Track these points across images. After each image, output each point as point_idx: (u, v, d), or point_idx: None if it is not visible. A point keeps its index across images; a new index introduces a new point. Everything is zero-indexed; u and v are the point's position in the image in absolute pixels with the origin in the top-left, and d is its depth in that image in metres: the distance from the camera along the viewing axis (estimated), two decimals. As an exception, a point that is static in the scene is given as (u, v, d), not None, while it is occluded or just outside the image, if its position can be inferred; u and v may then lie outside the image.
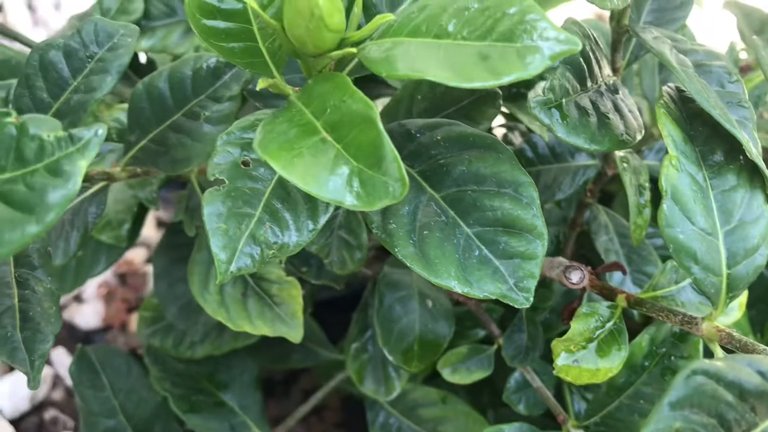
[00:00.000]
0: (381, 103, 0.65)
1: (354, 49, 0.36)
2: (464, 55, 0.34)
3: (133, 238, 0.63)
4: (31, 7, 1.34)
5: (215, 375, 0.63)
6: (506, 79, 0.33)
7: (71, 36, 0.39)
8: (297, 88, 0.40)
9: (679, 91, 0.45)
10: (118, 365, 0.62)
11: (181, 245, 0.59)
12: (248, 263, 0.36)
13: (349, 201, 0.33)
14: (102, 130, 0.28)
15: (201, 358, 0.62)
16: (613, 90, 0.47)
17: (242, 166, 0.38)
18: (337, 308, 0.73)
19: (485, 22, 0.35)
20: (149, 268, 1.04)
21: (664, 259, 0.64)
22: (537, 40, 0.33)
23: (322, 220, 0.38)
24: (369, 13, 0.42)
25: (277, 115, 0.37)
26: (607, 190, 0.73)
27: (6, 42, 0.65)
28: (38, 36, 1.29)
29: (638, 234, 0.53)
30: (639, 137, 0.45)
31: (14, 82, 0.55)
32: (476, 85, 0.33)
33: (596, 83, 0.46)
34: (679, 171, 0.40)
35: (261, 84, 0.37)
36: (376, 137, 0.33)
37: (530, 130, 0.60)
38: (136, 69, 0.59)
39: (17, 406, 0.76)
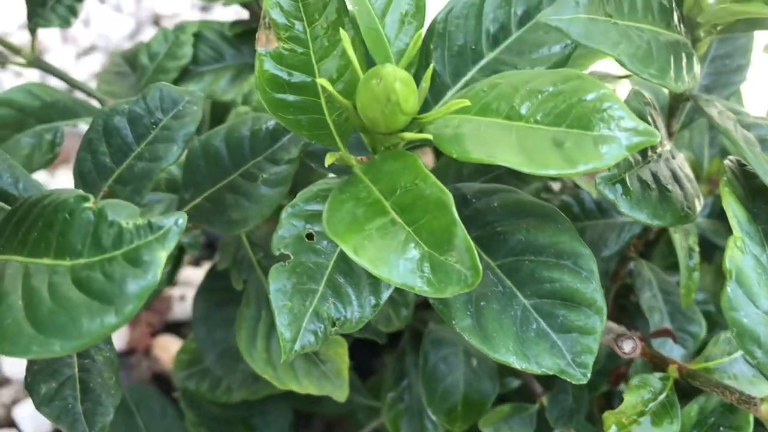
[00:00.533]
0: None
1: (429, 135, 0.35)
2: (538, 140, 0.34)
3: (171, 278, 0.63)
4: (61, 25, 1.34)
5: (250, 420, 0.63)
6: (582, 168, 0.33)
7: (136, 102, 0.38)
8: (360, 158, 0.40)
9: (740, 164, 0.44)
10: (153, 407, 0.62)
11: (221, 289, 0.59)
12: (312, 341, 0.36)
13: (419, 286, 0.33)
14: (182, 220, 0.28)
15: (236, 402, 0.61)
16: (671, 157, 0.46)
17: (306, 240, 0.37)
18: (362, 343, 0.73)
19: (560, 106, 0.34)
20: (174, 292, 1.04)
21: (707, 316, 0.63)
22: (614, 130, 0.33)
23: (385, 295, 0.38)
24: (433, 82, 0.42)
25: (343, 189, 0.37)
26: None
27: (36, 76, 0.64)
28: (68, 53, 1.29)
29: (688, 297, 0.53)
30: (699, 208, 0.45)
31: (61, 125, 0.55)
32: (551, 173, 0.33)
33: (655, 152, 0.45)
34: (743, 253, 0.40)
35: (329, 159, 0.36)
36: (450, 224, 0.33)
37: (576, 185, 0.60)
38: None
39: (39, 428, 0.76)
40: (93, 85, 1.17)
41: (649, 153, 0.45)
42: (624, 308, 0.68)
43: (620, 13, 0.37)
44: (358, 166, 0.38)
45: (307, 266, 0.37)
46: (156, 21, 1.38)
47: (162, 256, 0.28)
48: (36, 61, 0.58)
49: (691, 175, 0.47)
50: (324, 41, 0.37)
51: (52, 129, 0.56)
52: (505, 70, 0.41)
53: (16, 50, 0.58)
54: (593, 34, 0.35)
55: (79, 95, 0.64)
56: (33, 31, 0.57)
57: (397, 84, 0.33)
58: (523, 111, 0.35)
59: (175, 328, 1.03)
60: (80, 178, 0.39)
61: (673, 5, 0.41)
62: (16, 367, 0.94)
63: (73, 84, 0.59)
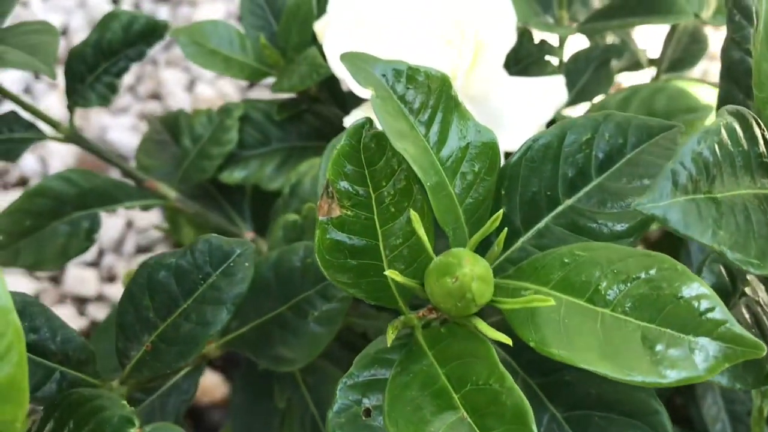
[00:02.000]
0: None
1: (505, 307, 0.32)
2: (626, 335, 0.31)
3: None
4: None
5: None
6: (672, 378, 0.30)
7: (183, 254, 0.36)
8: (421, 313, 0.36)
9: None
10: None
11: (260, 377, 0.57)
12: None
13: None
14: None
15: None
16: (756, 298, 0.43)
17: (363, 417, 0.35)
18: None
19: (651, 298, 0.31)
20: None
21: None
22: (714, 339, 0.30)
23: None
24: (503, 226, 0.38)
25: (405, 367, 0.34)
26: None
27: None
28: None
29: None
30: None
31: (99, 210, 0.52)
32: (636, 379, 0.30)
33: (738, 294, 0.42)
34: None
35: (391, 334, 0.33)
36: (528, 440, 0.30)
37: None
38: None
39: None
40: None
41: (733, 299, 0.41)
42: (684, 416, 0.65)
43: (720, 181, 0.33)
44: (421, 334, 0.35)
45: (364, 450, 0.34)
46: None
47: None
48: (74, 137, 0.56)
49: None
50: (390, 208, 0.33)
51: (89, 216, 0.54)
52: (583, 222, 0.37)
53: (54, 124, 0.56)
54: (691, 221, 0.31)
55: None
56: (71, 110, 0.55)
57: (474, 284, 0.30)
58: (609, 296, 0.32)
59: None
60: (121, 329, 0.36)
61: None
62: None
63: (110, 161, 0.57)
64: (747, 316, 0.42)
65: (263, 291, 0.42)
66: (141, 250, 1.14)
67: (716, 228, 0.32)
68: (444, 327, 0.35)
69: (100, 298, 1.04)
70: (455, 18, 0.47)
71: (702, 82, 0.70)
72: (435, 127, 0.33)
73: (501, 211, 0.32)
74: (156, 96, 1.28)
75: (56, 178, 0.53)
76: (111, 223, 1.03)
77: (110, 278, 1.11)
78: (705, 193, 0.33)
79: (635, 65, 0.73)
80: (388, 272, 0.30)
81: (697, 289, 0.30)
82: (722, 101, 0.43)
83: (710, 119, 0.61)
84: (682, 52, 0.72)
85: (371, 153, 0.32)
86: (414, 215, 0.31)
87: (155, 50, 1.30)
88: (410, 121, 0.32)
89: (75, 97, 0.54)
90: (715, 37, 0.78)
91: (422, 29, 0.47)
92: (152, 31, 0.54)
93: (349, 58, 0.31)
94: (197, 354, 0.35)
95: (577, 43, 0.68)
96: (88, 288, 1.10)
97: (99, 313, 0.98)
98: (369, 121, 0.32)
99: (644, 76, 0.77)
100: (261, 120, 0.56)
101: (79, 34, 1.26)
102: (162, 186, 0.57)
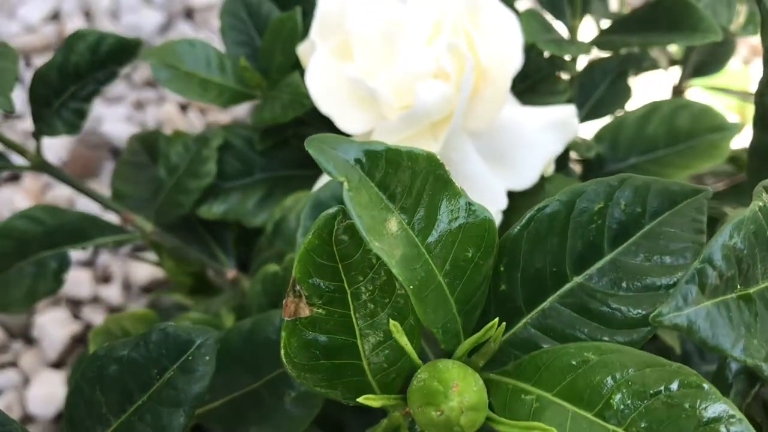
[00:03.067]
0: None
1: (502, 430, 0.28)
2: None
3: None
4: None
5: None
6: None
7: (135, 346, 0.31)
8: (407, 410, 0.32)
9: None
10: None
11: None
12: None
13: None
14: None
15: None
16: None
17: None
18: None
19: (672, 418, 0.26)
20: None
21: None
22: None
23: None
24: (503, 307, 0.34)
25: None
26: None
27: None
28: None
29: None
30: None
31: (68, 249, 0.48)
32: None
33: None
34: None
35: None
36: None
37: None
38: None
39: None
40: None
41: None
42: None
43: (754, 272, 0.28)
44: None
45: None
46: (189, 14, 1.29)
47: None
48: (42, 165, 0.51)
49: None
50: (369, 304, 0.29)
51: (57, 255, 0.49)
52: (594, 305, 0.32)
53: (21, 151, 0.51)
54: (721, 331, 0.27)
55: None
56: (37, 137, 0.50)
57: (463, 418, 0.25)
58: (622, 412, 0.27)
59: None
60: (70, 424, 0.32)
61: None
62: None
63: (83, 191, 0.52)
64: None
65: (236, 363, 0.38)
66: (137, 248, 1.10)
67: (749, 336, 0.27)
68: (432, 435, 0.30)
69: (95, 300, 1.00)
70: (452, 44, 0.42)
71: (728, 92, 0.64)
72: (420, 212, 0.28)
73: (495, 321, 0.28)
74: (151, 83, 1.23)
75: (20, 216, 0.49)
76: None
77: (105, 279, 1.08)
78: (738, 291, 0.28)
79: (654, 67, 0.68)
80: (362, 399, 0.26)
81: (725, 413, 0.26)
82: (753, 150, 0.38)
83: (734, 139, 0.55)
84: (708, 55, 0.66)
85: (345, 246, 0.28)
86: (394, 326, 0.26)
87: (152, 34, 1.25)
88: (390, 208, 0.27)
89: (40, 124, 0.49)
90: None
91: (412, 59, 0.42)
92: (122, 51, 0.49)
93: (314, 144, 0.26)
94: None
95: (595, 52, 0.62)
96: (82, 289, 1.07)
97: (94, 316, 0.95)
98: (341, 210, 0.27)
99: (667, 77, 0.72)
100: (242, 148, 0.51)
101: (74, 19, 1.20)
102: (138, 219, 0.52)
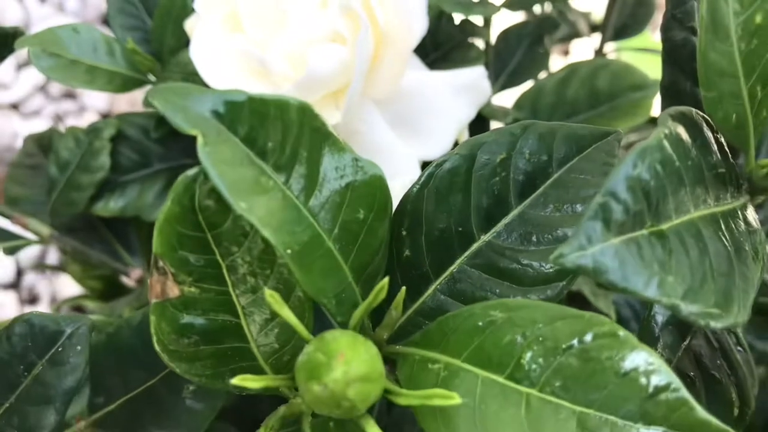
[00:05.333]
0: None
1: (401, 403, 0.25)
2: (559, 425, 0.24)
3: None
4: None
5: None
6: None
7: (-1, 342, 0.28)
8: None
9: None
10: None
11: None
12: None
13: None
14: None
15: None
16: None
17: None
18: None
19: (588, 373, 0.24)
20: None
21: None
22: (674, 428, 0.23)
23: None
24: (408, 275, 0.31)
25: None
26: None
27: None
28: (7, 64, 1.16)
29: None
30: (755, 395, 0.35)
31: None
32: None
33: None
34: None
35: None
36: None
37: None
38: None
39: None
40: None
41: (693, 327, 0.35)
42: None
43: (666, 207, 0.26)
44: (309, 425, 0.28)
45: None
46: (105, 20, 1.24)
47: None
48: None
49: (742, 336, 0.37)
50: (248, 278, 0.26)
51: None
52: (504, 263, 0.30)
53: None
54: (632, 270, 0.24)
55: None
56: None
57: (351, 390, 0.22)
58: (534, 372, 0.25)
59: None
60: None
61: (731, 169, 0.30)
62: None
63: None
64: (710, 345, 0.35)
65: (129, 360, 0.35)
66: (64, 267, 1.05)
67: (663, 273, 0.25)
68: (333, 420, 0.27)
69: (20, 323, 0.94)
70: (346, 5, 0.39)
71: (651, 51, 0.63)
72: (299, 170, 0.25)
73: (386, 280, 0.25)
74: (70, 95, 1.18)
75: None
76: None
77: (32, 300, 1.02)
78: (649, 227, 0.26)
79: (575, 34, 0.66)
80: (236, 381, 0.23)
81: (644, 362, 0.23)
82: (665, 91, 0.36)
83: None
84: (628, 18, 0.65)
85: (212, 212, 0.25)
86: (272, 296, 0.23)
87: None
88: (261, 167, 0.24)
89: None
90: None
91: (304, 25, 0.39)
92: (1, 42, 0.45)
93: (160, 94, 0.22)
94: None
95: (509, 17, 0.60)
96: (8, 312, 1.02)
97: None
98: (203, 171, 0.24)
99: (591, 43, 0.70)
100: (138, 137, 0.47)
101: None
102: (33, 222, 0.48)
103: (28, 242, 0.48)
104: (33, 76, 1.14)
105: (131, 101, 1.14)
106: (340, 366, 0.22)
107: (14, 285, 1.02)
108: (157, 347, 0.26)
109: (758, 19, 0.28)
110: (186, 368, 0.26)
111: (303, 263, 0.25)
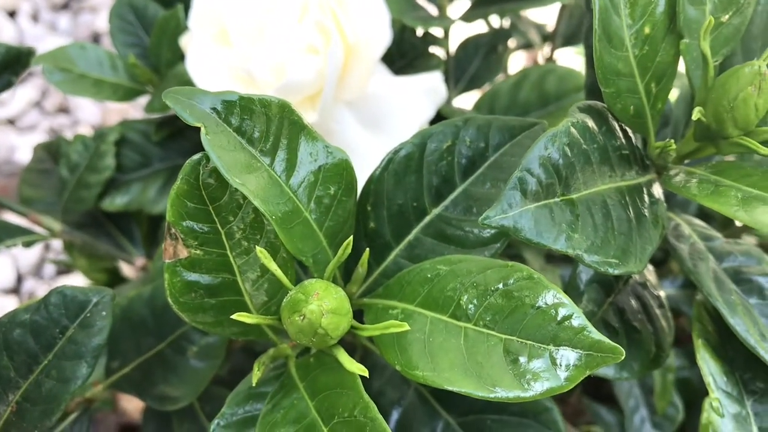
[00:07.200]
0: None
1: (364, 335, 0.31)
2: (489, 349, 0.30)
3: None
4: None
5: None
6: (537, 391, 0.29)
7: (37, 309, 0.34)
8: (292, 343, 0.35)
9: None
10: None
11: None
12: None
13: None
14: None
15: None
16: (642, 284, 0.43)
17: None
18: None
19: (511, 308, 0.30)
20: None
21: (684, 384, 0.61)
22: (575, 347, 0.29)
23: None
24: (374, 242, 0.37)
25: (278, 403, 0.33)
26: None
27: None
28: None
29: (663, 402, 0.50)
30: (670, 342, 0.42)
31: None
32: (499, 395, 0.29)
33: (625, 284, 0.42)
34: (721, 416, 0.37)
35: (257, 371, 0.32)
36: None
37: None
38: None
39: None
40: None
41: (617, 286, 0.41)
42: (598, 394, 0.65)
43: (577, 181, 0.33)
44: (294, 364, 0.34)
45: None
46: (96, 38, 1.30)
47: None
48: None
49: (663, 296, 0.43)
50: (243, 242, 0.32)
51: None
52: (451, 231, 0.37)
53: None
54: (543, 228, 0.31)
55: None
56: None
57: (324, 319, 0.29)
58: (470, 310, 0.31)
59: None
60: (-18, 394, 0.35)
61: (635, 150, 0.37)
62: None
63: (-11, 198, 0.54)
64: (633, 302, 0.42)
65: (141, 328, 0.41)
66: (62, 271, 1.10)
67: (570, 232, 0.32)
68: (313, 356, 0.34)
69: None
70: (318, 21, 0.46)
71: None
72: (281, 155, 0.32)
73: (351, 238, 0.31)
74: (64, 109, 1.24)
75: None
76: (25, 248, 0.99)
77: (32, 303, 1.08)
78: (560, 196, 0.32)
79: (528, 44, 0.73)
80: (236, 316, 0.29)
81: (553, 298, 0.30)
82: (588, 90, 0.43)
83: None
84: (574, 28, 0.72)
85: (212, 189, 0.31)
86: (261, 252, 0.30)
87: (59, 61, 1.25)
88: (250, 152, 0.31)
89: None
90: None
91: (283, 39, 0.45)
92: (16, 60, 0.52)
93: (171, 95, 0.29)
94: (60, 412, 0.33)
95: (470, 28, 0.67)
96: (9, 316, 1.07)
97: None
98: (205, 156, 0.30)
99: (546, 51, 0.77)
100: (140, 141, 0.54)
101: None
102: (45, 219, 0.54)
103: (42, 237, 0.54)
104: (28, 92, 1.20)
105: (122, 115, 1.20)
106: (315, 300, 0.28)
107: (15, 290, 1.08)
108: (169, 300, 0.32)
109: (647, 30, 0.35)
110: (193, 317, 0.33)
111: (285, 228, 0.31)
